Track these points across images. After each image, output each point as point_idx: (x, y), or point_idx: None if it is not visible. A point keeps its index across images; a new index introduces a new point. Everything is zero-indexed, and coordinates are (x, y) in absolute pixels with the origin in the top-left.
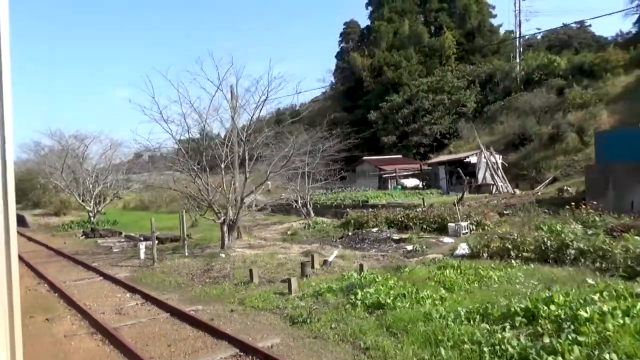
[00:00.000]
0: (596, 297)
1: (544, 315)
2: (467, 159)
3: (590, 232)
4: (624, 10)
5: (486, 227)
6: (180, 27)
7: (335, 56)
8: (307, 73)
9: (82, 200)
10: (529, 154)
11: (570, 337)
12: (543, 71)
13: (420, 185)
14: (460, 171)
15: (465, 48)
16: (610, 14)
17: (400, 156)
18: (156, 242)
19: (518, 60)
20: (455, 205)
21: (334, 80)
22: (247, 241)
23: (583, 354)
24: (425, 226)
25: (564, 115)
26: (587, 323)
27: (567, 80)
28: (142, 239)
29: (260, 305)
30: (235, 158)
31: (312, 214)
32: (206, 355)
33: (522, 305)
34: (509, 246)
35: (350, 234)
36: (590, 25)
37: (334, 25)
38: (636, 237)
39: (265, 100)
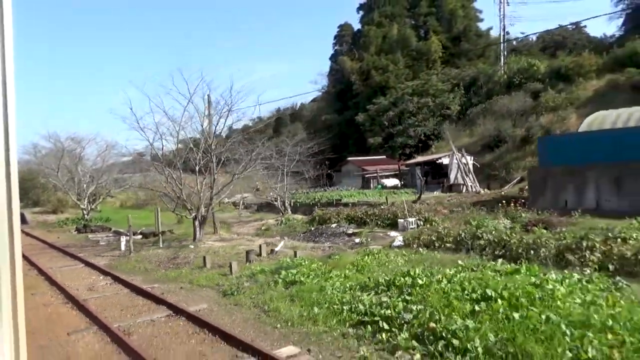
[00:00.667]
0: (448, 271)
1: (397, 284)
2: (440, 160)
3: (510, 225)
4: (608, 14)
5: (433, 223)
6: (181, 27)
7: (330, 58)
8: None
9: (78, 199)
10: (502, 155)
11: (402, 297)
12: (523, 75)
13: (399, 185)
14: (419, 173)
15: (452, 52)
16: (594, 17)
17: (384, 157)
18: (140, 236)
19: (502, 64)
20: (414, 204)
21: (328, 82)
22: (221, 235)
23: (403, 306)
24: (379, 222)
25: (537, 118)
26: (420, 288)
27: (545, 84)
28: (128, 233)
29: (204, 283)
30: (212, 161)
31: (290, 212)
32: (146, 316)
33: (387, 278)
34: (434, 238)
35: (313, 229)
36: (585, 26)
37: (333, 26)
38: (542, 230)
39: (229, 111)
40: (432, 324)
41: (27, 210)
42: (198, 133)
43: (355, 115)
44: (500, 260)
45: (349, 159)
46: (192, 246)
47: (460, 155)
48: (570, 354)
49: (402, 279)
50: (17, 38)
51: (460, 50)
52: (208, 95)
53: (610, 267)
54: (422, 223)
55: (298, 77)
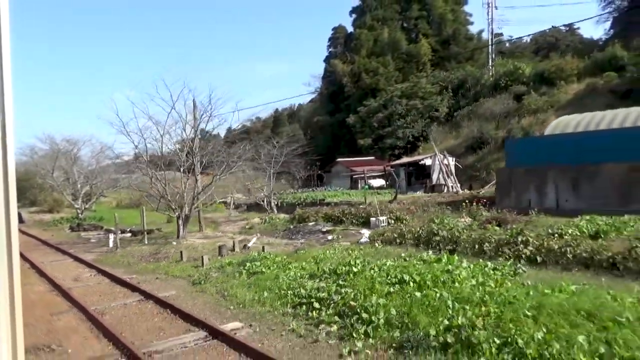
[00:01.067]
0: (380, 261)
1: (337, 272)
2: (422, 162)
3: (469, 223)
4: (592, 17)
5: (403, 221)
6: (181, 27)
7: (324, 60)
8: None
9: (73, 199)
10: (484, 156)
11: (337, 282)
12: (509, 78)
13: (384, 185)
14: (403, 174)
15: (441, 55)
16: (579, 21)
17: (373, 158)
18: (129, 234)
19: (490, 66)
20: (390, 203)
21: (322, 84)
22: (205, 233)
23: (335, 290)
24: (354, 220)
25: (518, 121)
26: (353, 275)
27: (529, 86)
28: (119, 231)
29: (177, 274)
30: (194, 163)
31: (276, 211)
32: (121, 300)
33: (331, 267)
34: (395, 235)
35: (292, 227)
36: (579, 28)
37: (331, 27)
38: (496, 227)
39: (209, 117)
40: (352, 303)
41: (24, 210)
42: (181, 137)
43: (346, 117)
44: (430, 251)
45: (338, 160)
46: (174, 243)
47: (442, 156)
48: (446, 322)
49: (342, 267)
50: (15, 38)
51: (450, 53)
52: (193, 100)
53: (539, 259)
54: (393, 221)
55: (298, 77)
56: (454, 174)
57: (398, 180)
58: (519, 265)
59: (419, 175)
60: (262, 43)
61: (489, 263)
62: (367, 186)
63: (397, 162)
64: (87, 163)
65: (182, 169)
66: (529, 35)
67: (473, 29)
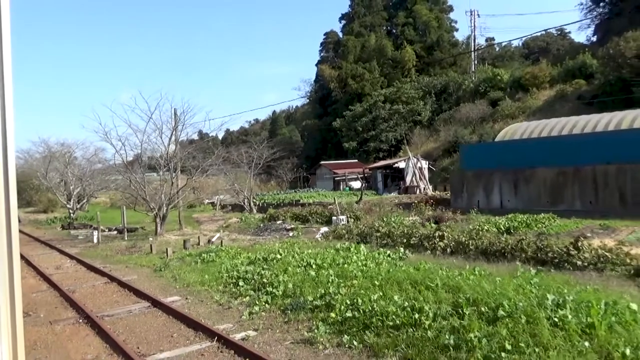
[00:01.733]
0: (299, 250)
1: (268, 259)
2: (397, 165)
3: (412, 220)
4: (571, 23)
5: (361, 219)
6: (183, 28)
7: (316, 64)
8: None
9: (68, 200)
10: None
11: (262, 266)
12: (488, 84)
13: (364, 187)
14: (359, 177)
15: (426, 61)
16: (560, 26)
17: (356, 161)
18: (115, 232)
19: (472, 72)
20: (356, 204)
21: (314, 88)
22: (184, 231)
23: (258, 271)
24: (319, 219)
25: (492, 125)
26: (276, 261)
27: (506, 92)
28: (107, 229)
29: (144, 264)
30: (169, 168)
31: (255, 211)
32: (91, 283)
33: (264, 255)
34: (344, 232)
35: (262, 225)
36: (569, 32)
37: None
38: (433, 224)
39: (182, 127)
40: (265, 280)
41: (20, 210)
42: (160, 144)
43: (334, 121)
44: (347, 242)
45: (322, 163)
46: (151, 239)
47: (415, 160)
48: (322, 291)
49: (271, 255)
50: (16, 40)
51: (434, 59)
52: (175, 110)
53: (449, 250)
54: (353, 220)
55: (298, 77)
56: (426, 177)
57: (362, 183)
58: (406, 252)
59: (395, 177)
60: (263, 44)
61: (387, 250)
62: (347, 188)
63: (375, 165)
64: (82, 165)
65: (161, 173)
66: (518, 38)
67: (459, 35)
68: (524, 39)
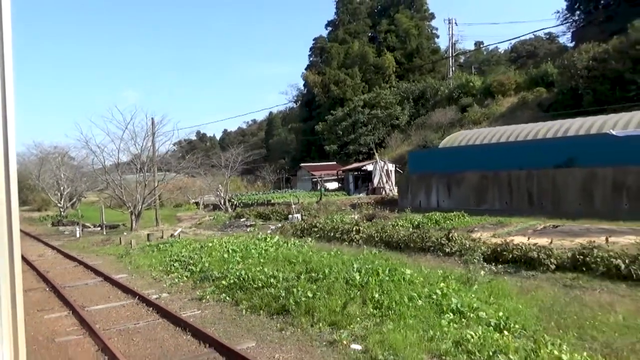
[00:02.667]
0: (234, 239)
1: (204, 247)
2: (365, 167)
3: (351, 218)
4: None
5: (316, 217)
6: (184, 28)
7: (305, 69)
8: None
9: (59, 199)
10: None
11: (199, 252)
12: (462, 90)
13: (337, 188)
14: (318, 179)
15: (406, 67)
16: (535, 31)
17: (334, 163)
18: (99, 228)
19: (448, 78)
20: (317, 204)
21: (304, 92)
22: (160, 227)
23: (194, 255)
24: (278, 217)
25: (459, 130)
26: (208, 248)
27: (477, 99)
28: (92, 226)
29: (111, 253)
30: (143, 171)
31: (230, 210)
32: (63, 266)
33: (202, 245)
34: (289, 227)
35: (228, 222)
36: (558, 36)
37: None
38: (368, 222)
39: (153, 136)
40: (191, 261)
41: None
42: (137, 150)
43: (317, 125)
44: (279, 237)
45: (302, 165)
46: (125, 233)
47: (382, 163)
48: (226, 267)
49: (208, 244)
50: (16, 40)
51: (413, 66)
52: (152, 119)
53: (361, 241)
54: (306, 217)
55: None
56: (393, 179)
57: (322, 185)
58: (311, 240)
59: (365, 179)
60: (263, 44)
61: (297, 240)
62: (323, 189)
63: (347, 167)
64: (75, 167)
65: (137, 176)
66: (507, 40)
67: (441, 42)
68: (512, 42)
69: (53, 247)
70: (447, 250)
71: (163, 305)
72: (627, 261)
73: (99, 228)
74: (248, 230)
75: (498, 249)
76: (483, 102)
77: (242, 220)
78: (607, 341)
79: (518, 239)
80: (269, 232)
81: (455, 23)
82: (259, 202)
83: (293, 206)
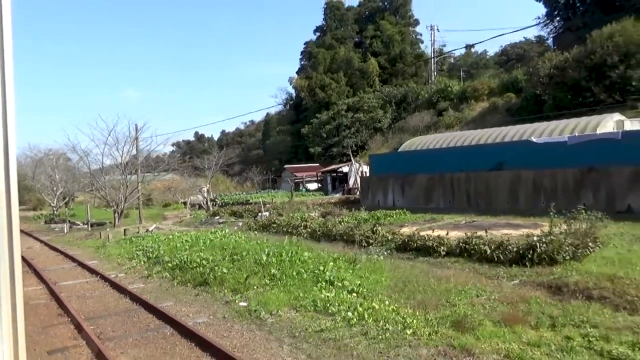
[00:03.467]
0: (206, 234)
1: (167, 239)
2: (341, 169)
3: (310, 214)
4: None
5: (280, 215)
6: (184, 28)
7: (297, 72)
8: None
9: (54, 199)
10: None
11: (159, 243)
12: (440, 94)
13: (317, 188)
14: (290, 181)
15: (390, 72)
16: (512, 32)
17: (317, 164)
18: (86, 225)
19: (430, 82)
20: (287, 203)
21: (289, 96)
22: (143, 225)
23: (155, 245)
24: (249, 215)
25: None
26: (169, 239)
27: (454, 103)
28: (80, 223)
29: (90, 245)
30: (124, 173)
31: (212, 209)
32: (47, 255)
33: (166, 238)
34: (252, 224)
35: (204, 220)
36: (548, 39)
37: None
38: (321, 218)
39: (137, 140)
40: (152, 250)
41: None
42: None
43: (303, 127)
44: (228, 230)
45: (285, 166)
46: (108, 229)
47: (357, 165)
48: (175, 253)
49: (170, 236)
50: (15, 40)
51: (397, 70)
52: (135, 125)
53: (306, 234)
54: (274, 215)
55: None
56: None
57: (293, 185)
58: (255, 231)
59: (342, 180)
60: (263, 44)
61: (245, 233)
62: (304, 189)
63: (326, 169)
64: (70, 167)
65: (121, 177)
66: (495, 37)
67: (427, 48)
68: (503, 45)
69: (41, 241)
70: (371, 241)
71: (117, 281)
72: (492, 247)
73: (87, 225)
74: (219, 226)
75: (407, 240)
76: (459, 106)
77: (216, 218)
78: (423, 299)
79: (437, 232)
80: (235, 228)
81: (437, 29)
82: (239, 202)
83: (262, 205)
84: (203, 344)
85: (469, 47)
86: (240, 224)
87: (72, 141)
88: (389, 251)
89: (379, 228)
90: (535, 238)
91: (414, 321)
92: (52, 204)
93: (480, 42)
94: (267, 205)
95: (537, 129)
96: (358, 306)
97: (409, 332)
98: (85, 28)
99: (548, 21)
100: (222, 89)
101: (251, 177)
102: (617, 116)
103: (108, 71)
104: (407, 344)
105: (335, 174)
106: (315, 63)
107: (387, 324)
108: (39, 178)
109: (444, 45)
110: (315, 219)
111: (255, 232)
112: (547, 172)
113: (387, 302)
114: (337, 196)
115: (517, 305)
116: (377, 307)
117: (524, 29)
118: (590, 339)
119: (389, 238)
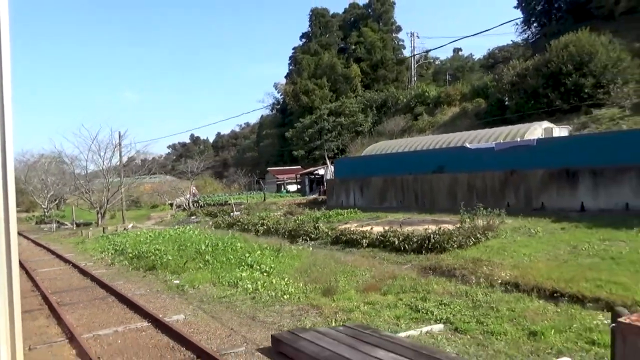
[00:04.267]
0: (168, 231)
1: (136, 235)
2: (317, 171)
3: (276, 215)
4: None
5: (248, 215)
6: (183, 28)
7: (285, 77)
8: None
9: (45, 201)
10: None
11: (127, 238)
12: (418, 99)
13: (296, 190)
14: (261, 182)
15: (372, 77)
16: (495, 30)
17: (299, 167)
18: (74, 225)
19: (409, 87)
20: (261, 204)
21: (277, 100)
22: (124, 224)
23: (124, 240)
24: (224, 214)
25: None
26: (137, 235)
27: (429, 107)
28: (68, 223)
29: (71, 241)
30: (106, 178)
31: (192, 209)
32: (32, 250)
33: (135, 235)
34: (220, 222)
35: (181, 220)
36: (536, 42)
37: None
38: (282, 217)
39: (120, 146)
40: (120, 244)
41: None
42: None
43: (287, 131)
44: (192, 227)
45: (269, 169)
46: (91, 228)
47: (332, 168)
48: (138, 246)
49: (137, 232)
50: (15, 40)
51: (378, 76)
52: (119, 132)
53: (262, 231)
54: (245, 214)
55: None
56: None
57: (264, 186)
58: (221, 229)
59: (319, 182)
60: (263, 44)
61: (208, 229)
62: (285, 191)
63: (304, 171)
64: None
65: (105, 181)
66: (481, 32)
67: (408, 53)
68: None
69: (29, 239)
70: (312, 236)
71: (85, 268)
72: (400, 239)
73: (74, 225)
74: (192, 225)
75: (339, 234)
76: (434, 111)
77: (192, 218)
78: (316, 277)
79: (365, 228)
80: (206, 226)
81: (417, 36)
82: (219, 203)
83: (235, 206)
84: (132, 305)
85: (457, 51)
86: (211, 222)
87: (57, 149)
88: (324, 244)
89: (320, 225)
90: (429, 231)
91: (294, 290)
92: (43, 206)
93: (443, 46)
94: (242, 206)
95: (475, 137)
96: (259, 281)
97: (286, 297)
98: (83, 29)
99: (525, 27)
100: (220, 90)
101: (237, 179)
102: (545, 124)
103: (106, 72)
104: (279, 304)
105: (312, 176)
106: (300, 69)
107: (273, 292)
108: (32, 181)
109: (427, 51)
110: (275, 217)
111: (220, 229)
112: (479, 174)
113: (286, 279)
114: (313, 197)
115: (385, 280)
116: (274, 281)
117: (489, 29)
118: (417, 300)
119: (328, 233)
